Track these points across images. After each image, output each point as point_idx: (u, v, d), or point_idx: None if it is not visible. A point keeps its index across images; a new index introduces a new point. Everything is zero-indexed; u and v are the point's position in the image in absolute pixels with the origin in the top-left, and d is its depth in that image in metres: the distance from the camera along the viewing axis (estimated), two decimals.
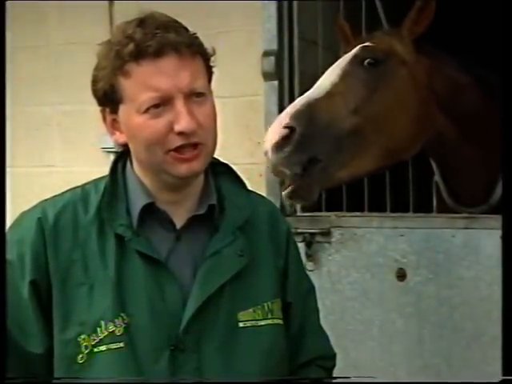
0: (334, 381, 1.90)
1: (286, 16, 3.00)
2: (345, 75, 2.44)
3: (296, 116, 2.32)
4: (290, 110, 2.35)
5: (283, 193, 2.41)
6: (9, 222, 1.77)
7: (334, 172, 2.39)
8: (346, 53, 2.56)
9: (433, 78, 2.54)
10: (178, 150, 1.60)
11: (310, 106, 2.35)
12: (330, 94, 2.39)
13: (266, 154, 2.34)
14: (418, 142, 2.55)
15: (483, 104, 2.66)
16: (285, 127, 2.30)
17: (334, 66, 2.50)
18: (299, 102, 2.38)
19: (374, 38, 2.56)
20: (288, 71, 3.01)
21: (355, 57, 2.48)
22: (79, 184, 1.77)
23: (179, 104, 1.59)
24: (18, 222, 1.72)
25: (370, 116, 2.41)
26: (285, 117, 2.33)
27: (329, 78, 2.45)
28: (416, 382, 2.66)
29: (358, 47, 2.51)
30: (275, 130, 2.32)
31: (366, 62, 2.46)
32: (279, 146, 2.29)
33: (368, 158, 2.43)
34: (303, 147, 2.30)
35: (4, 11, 1.88)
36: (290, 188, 2.37)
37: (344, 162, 2.38)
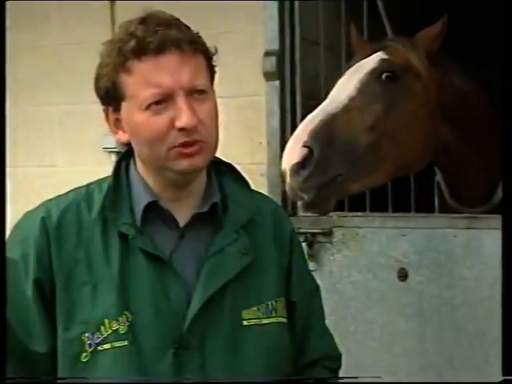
0: (338, 381, 1.90)
1: (287, 16, 3.00)
2: (363, 89, 2.38)
3: (314, 135, 2.24)
4: (307, 126, 2.28)
5: (299, 203, 2.35)
6: (9, 221, 1.77)
7: (349, 185, 2.34)
8: (355, 59, 2.52)
9: (442, 90, 2.52)
10: (180, 145, 1.61)
11: (328, 123, 2.28)
12: (347, 109, 2.33)
13: (283, 174, 2.27)
14: (427, 154, 2.53)
15: (486, 110, 2.64)
16: (304, 146, 2.23)
17: (348, 75, 2.45)
18: (316, 117, 2.31)
19: (388, 48, 2.50)
20: (289, 71, 3.01)
21: (373, 70, 2.42)
22: (80, 184, 1.77)
23: (180, 100, 1.59)
24: (21, 221, 1.72)
25: (386, 132, 2.36)
26: (302, 135, 2.26)
27: (345, 90, 2.39)
28: (417, 383, 2.65)
29: (376, 60, 2.45)
30: (294, 149, 2.25)
31: (384, 75, 2.41)
32: (299, 167, 2.23)
33: (381, 174, 2.40)
34: (322, 169, 2.24)
35: (4, 11, 1.87)
36: (307, 199, 2.29)
37: (358, 176, 2.34)
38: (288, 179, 2.26)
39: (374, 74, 2.42)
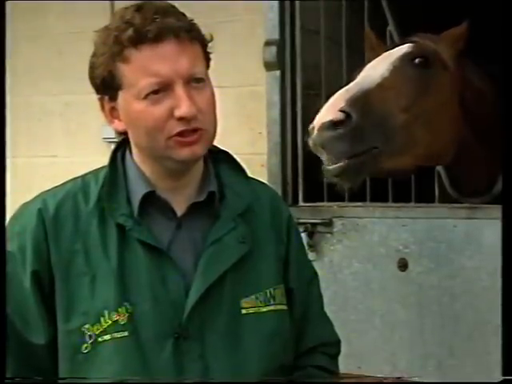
0: (334, 380, 1.90)
1: (287, 6, 2.98)
2: (395, 71, 2.36)
3: (352, 103, 2.20)
4: (345, 94, 2.23)
5: (329, 167, 2.26)
6: (9, 212, 1.77)
7: (383, 161, 2.29)
8: (369, 60, 2.50)
9: (464, 90, 2.51)
10: (179, 134, 1.60)
11: (365, 95, 2.25)
12: (381, 87, 2.31)
13: (311, 130, 2.21)
14: (454, 147, 2.52)
15: (493, 102, 2.64)
16: (340, 111, 2.18)
17: (377, 61, 2.44)
18: (352, 88, 2.27)
19: (416, 42, 2.48)
20: (290, 61, 3.00)
21: (406, 54, 2.42)
22: (80, 174, 1.77)
23: (179, 89, 1.59)
24: (18, 213, 1.72)
25: (419, 116, 2.35)
26: (339, 101, 2.21)
27: (378, 70, 2.37)
28: (419, 382, 2.65)
29: (408, 45, 2.45)
30: (329, 112, 2.19)
31: (417, 60, 2.41)
32: (331, 125, 2.16)
33: (411, 157, 2.38)
34: (358, 137, 2.19)
35: (4, 8, 1.86)
36: (339, 164, 2.23)
37: (393, 153, 2.30)
38: (314, 133, 2.21)
39: (407, 57, 2.41)
